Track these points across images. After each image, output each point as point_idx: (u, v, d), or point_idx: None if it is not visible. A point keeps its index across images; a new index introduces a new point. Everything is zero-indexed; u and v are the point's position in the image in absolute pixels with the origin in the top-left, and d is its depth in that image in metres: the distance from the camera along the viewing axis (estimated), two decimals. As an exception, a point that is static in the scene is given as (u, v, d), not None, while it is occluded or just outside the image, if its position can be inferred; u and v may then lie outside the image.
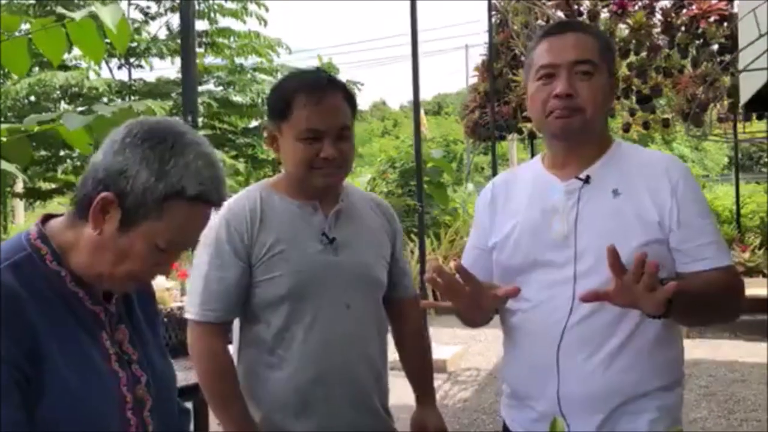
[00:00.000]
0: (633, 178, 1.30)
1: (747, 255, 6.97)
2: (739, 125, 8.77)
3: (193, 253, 1.53)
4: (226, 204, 1.48)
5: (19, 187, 8.69)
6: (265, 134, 1.54)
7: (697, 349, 5.59)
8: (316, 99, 1.41)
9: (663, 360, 1.29)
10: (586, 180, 1.31)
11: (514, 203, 1.41)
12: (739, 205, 10.50)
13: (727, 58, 6.05)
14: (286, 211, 1.48)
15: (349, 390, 1.47)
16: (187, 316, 1.49)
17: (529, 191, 1.39)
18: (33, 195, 8.73)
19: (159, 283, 2.18)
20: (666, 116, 7.79)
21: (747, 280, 6.47)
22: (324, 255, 1.46)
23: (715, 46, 6.48)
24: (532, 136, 10.26)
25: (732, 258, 1.33)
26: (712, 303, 1.26)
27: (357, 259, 1.50)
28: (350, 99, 1.48)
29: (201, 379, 1.47)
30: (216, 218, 1.45)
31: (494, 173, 6.90)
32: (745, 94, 3.95)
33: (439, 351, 5.43)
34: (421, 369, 1.70)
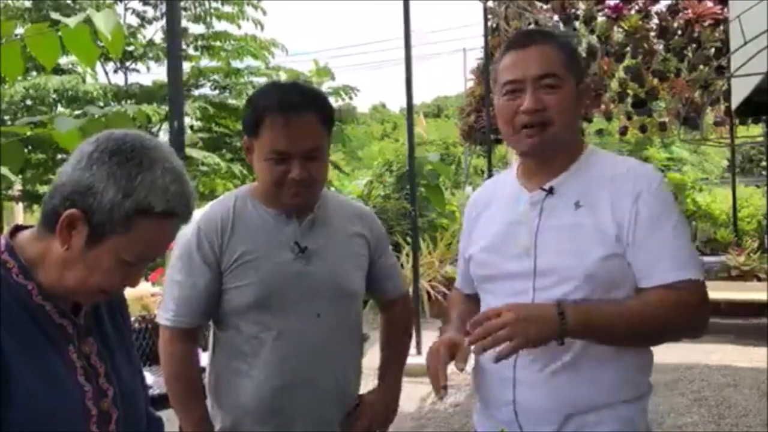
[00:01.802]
0: (598, 189, 1.28)
1: (742, 259, 6.98)
2: (740, 128, 8.80)
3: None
4: (201, 210, 1.50)
5: (16, 189, 8.69)
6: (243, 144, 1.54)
7: (692, 353, 5.59)
8: (285, 120, 1.39)
9: (623, 374, 1.28)
10: (550, 191, 1.32)
11: (491, 213, 1.44)
12: (735, 208, 10.51)
13: (722, 61, 6.08)
14: (259, 219, 1.49)
15: (315, 400, 1.48)
16: (159, 320, 1.51)
17: (503, 201, 1.42)
18: (30, 198, 8.74)
19: (145, 289, 2.17)
20: (663, 119, 7.83)
21: (742, 284, 6.49)
22: (294, 264, 1.47)
23: (712, 50, 6.50)
24: (529, 139, 10.29)
25: (700, 273, 1.26)
26: (637, 319, 1.22)
27: (329, 269, 1.50)
28: (325, 116, 1.46)
29: (166, 380, 1.49)
30: (191, 224, 1.46)
31: (490, 177, 6.92)
32: (736, 98, 3.96)
33: (433, 355, 5.42)
34: (395, 360, 1.72)
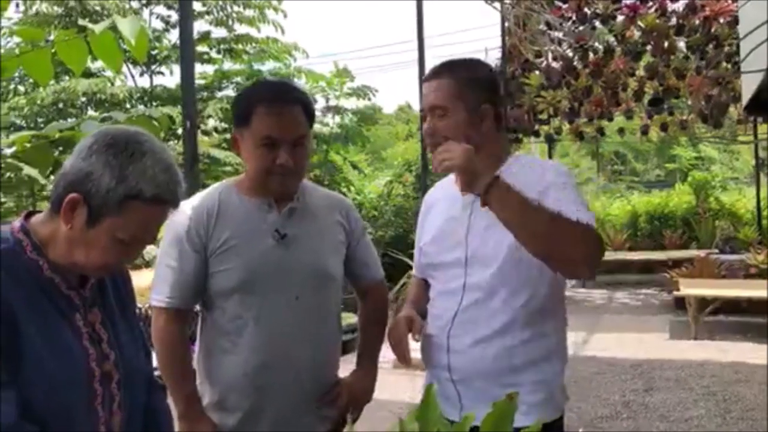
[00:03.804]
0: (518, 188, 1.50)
1: (761, 257, 6.92)
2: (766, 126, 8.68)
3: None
4: (189, 201, 1.63)
5: (49, 189, 9.01)
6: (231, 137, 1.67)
7: (704, 350, 5.59)
8: (276, 109, 1.54)
9: (538, 344, 1.51)
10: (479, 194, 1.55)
11: (436, 212, 1.70)
12: (759, 207, 10.37)
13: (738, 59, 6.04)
14: (242, 208, 1.62)
15: (294, 377, 1.59)
16: (152, 302, 1.63)
17: (445, 202, 1.67)
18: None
19: (150, 280, 2.28)
20: (684, 118, 7.79)
21: (762, 282, 6.43)
22: (275, 250, 1.59)
23: (733, 47, 6.46)
24: (549, 138, 10.31)
25: (593, 221, 1.43)
26: (544, 217, 1.37)
27: (307, 254, 1.62)
28: (308, 110, 1.61)
29: (158, 358, 1.60)
30: (181, 213, 1.58)
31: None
32: (746, 96, 3.98)
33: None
34: (371, 345, 1.82)
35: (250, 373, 1.58)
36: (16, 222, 1.12)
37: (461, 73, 1.57)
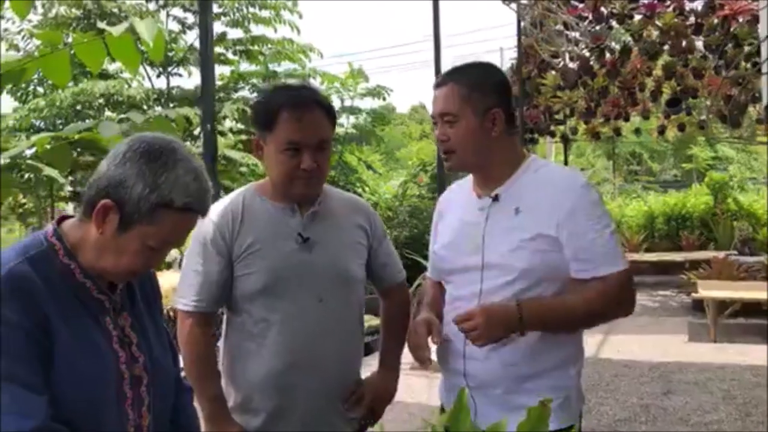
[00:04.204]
0: (535, 196, 1.51)
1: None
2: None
3: None
4: (214, 206, 1.63)
5: (67, 190, 9.11)
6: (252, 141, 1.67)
7: (724, 353, 5.52)
8: (299, 115, 1.55)
9: (554, 349, 1.52)
10: (495, 198, 1.55)
11: (451, 215, 1.69)
12: (777, 208, 10.20)
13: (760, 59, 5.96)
14: (266, 212, 1.63)
15: (318, 378, 1.60)
16: (178, 306, 1.64)
17: (460, 205, 1.66)
18: (80, 198, 9.12)
19: (172, 281, 2.30)
20: (702, 118, 7.70)
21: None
22: (298, 253, 1.60)
23: (753, 47, 6.37)
24: (565, 138, 10.26)
25: (624, 263, 1.49)
26: (580, 314, 1.50)
27: (330, 257, 1.63)
28: (331, 114, 1.62)
29: (185, 361, 1.61)
30: (206, 219, 1.57)
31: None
32: (766, 96, 3.92)
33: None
34: (393, 346, 1.83)
35: (274, 375, 1.59)
36: (50, 226, 1.14)
37: (469, 78, 1.57)
